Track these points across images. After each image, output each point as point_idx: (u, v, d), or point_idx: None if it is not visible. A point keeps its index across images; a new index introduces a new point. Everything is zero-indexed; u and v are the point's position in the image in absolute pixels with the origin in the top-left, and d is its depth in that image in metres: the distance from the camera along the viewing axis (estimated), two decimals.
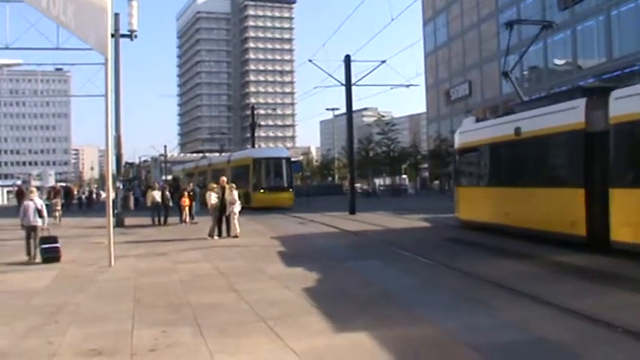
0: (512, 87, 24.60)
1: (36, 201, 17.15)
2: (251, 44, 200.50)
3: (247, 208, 34.89)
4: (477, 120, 25.63)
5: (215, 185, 24.12)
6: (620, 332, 8.18)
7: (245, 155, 48.56)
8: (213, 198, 23.13)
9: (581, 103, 16.77)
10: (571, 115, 17.15)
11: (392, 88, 50.03)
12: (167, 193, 32.09)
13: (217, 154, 74.33)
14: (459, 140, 25.95)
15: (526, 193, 19.62)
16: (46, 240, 16.76)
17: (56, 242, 16.80)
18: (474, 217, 23.67)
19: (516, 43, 63.11)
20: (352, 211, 34.86)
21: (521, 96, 23.85)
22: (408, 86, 45.51)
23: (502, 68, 27.25)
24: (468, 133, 25.01)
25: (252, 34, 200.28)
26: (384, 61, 39.74)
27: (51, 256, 16.45)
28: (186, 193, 32.49)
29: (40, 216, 16.91)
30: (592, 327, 8.58)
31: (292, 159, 48.43)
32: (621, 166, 15.29)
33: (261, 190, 42.57)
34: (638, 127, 14.56)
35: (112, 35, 21.54)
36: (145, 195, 39.99)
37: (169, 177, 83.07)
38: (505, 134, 20.99)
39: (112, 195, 18.29)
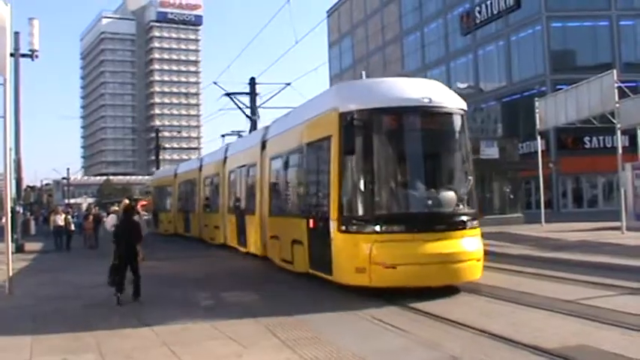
0: None
1: None
2: (156, 66, 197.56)
3: (326, 288, 13.72)
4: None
5: (116, 209, 22.00)
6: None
7: (324, 107, 14.60)
8: (108, 225, 18.71)
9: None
10: None
11: None
12: (69, 217, 31.15)
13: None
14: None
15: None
16: None
17: None
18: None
19: (419, 67, 65.04)
20: None
21: None
22: None
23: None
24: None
25: (157, 55, 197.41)
26: (288, 84, 39.50)
27: None
28: (90, 217, 31.72)
29: None
30: None
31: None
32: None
33: (377, 228, 12.47)
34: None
35: (12, 55, 20.95)
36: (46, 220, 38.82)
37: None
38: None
39: (9, 220, 17.70)
